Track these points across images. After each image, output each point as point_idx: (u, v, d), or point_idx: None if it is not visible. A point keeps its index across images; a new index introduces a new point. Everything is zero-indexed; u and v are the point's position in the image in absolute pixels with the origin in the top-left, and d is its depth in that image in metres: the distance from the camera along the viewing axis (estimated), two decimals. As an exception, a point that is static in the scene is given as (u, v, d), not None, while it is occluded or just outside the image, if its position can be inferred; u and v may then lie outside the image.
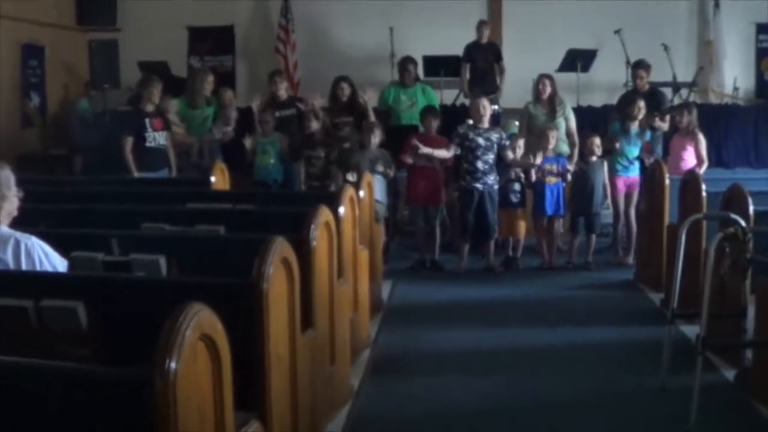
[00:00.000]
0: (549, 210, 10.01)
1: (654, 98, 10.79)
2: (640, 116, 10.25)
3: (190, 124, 10.91)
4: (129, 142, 9.70)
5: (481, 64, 12.54)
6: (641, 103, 10.29)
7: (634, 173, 10.24)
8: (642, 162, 10.24)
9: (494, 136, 9.77)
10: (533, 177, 9.99)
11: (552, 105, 10.59)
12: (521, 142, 10.18)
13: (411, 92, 11.40)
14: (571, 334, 7.64)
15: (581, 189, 10.02)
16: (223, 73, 13.46)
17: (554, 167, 10.00)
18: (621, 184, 10.25)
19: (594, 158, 9.98)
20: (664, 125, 10.53)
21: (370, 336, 7.40)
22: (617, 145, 10.17)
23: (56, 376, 3.14)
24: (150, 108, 9.84)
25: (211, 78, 11.22)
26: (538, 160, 9.82)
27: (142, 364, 2.93)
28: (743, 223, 5.82)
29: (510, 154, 9.85)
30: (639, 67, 10.96)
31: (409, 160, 10.00)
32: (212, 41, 14.41)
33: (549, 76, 10.80)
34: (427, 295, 9.05)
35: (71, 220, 6.05)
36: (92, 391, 3.07)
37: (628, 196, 10.27)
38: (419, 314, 8.32)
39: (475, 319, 8.13)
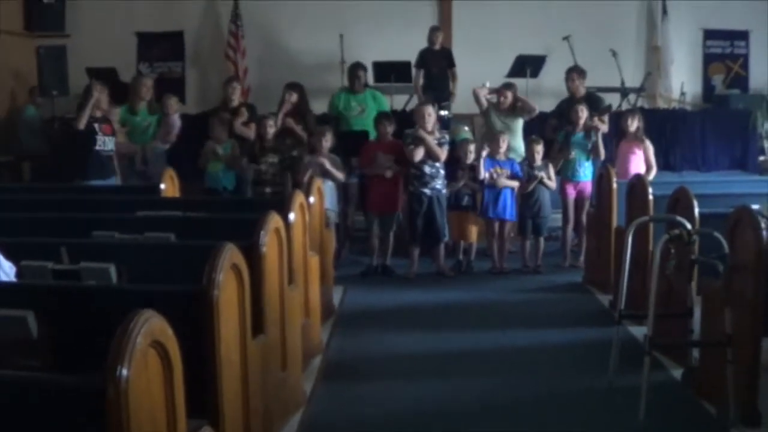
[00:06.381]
0: (502, 213, 10.02)
1: (590, 103, 10.89)
2: (582, 121, 10.33)
3: (133, 131, 10.69)
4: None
5: (435, 69, 12.59)
6: (582, 108, 10.40)
7: (585, 179, 10.33)
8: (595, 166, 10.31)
9: (436, 137, 9.80)
10: (482, 175, 9.95)
11: (513, 108, 10.69)
12: (472, 147, 10.18)
13: (361, 98, 11.38)
14: (521, 337, 7.71)
15: (529, 193, 10.06)
16: (173, 79, 13.44)
17: (506, 171, 10.02)
18: (570, 189, 10.34)
19: (538, 163, 10.05)
20: (604, 126, 10.59)
21: (321, 341, 7.40)
22: (572, 154, 10.25)
23: (8, 385, 3.13)
24: (98, 114, 9.78)
25: (150, 82, 11.01)
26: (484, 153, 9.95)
27: (94, 373, 2.93)
28: (688, 225, 5.93)
29: (441, 153, 9.79)
30: (572, 71, 11.11)
31: (389, 174, 9.92)
32: (162, 47, 14.38)
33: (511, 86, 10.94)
34: (378, 300, 9.07)
35: (20, 228, 6.02)
36: (45, 399, 3.07)
37: (579, 201, 10.34)
38: (370, 319, 8.34)
39: (426, 323, 8.17)
